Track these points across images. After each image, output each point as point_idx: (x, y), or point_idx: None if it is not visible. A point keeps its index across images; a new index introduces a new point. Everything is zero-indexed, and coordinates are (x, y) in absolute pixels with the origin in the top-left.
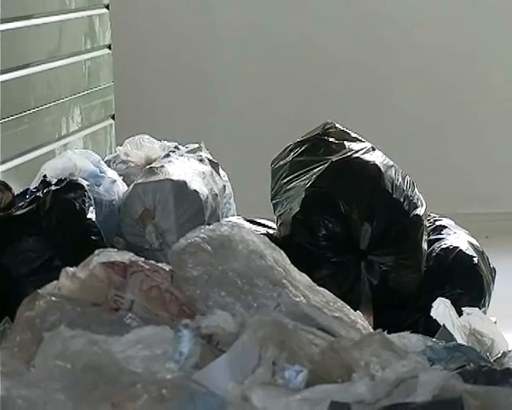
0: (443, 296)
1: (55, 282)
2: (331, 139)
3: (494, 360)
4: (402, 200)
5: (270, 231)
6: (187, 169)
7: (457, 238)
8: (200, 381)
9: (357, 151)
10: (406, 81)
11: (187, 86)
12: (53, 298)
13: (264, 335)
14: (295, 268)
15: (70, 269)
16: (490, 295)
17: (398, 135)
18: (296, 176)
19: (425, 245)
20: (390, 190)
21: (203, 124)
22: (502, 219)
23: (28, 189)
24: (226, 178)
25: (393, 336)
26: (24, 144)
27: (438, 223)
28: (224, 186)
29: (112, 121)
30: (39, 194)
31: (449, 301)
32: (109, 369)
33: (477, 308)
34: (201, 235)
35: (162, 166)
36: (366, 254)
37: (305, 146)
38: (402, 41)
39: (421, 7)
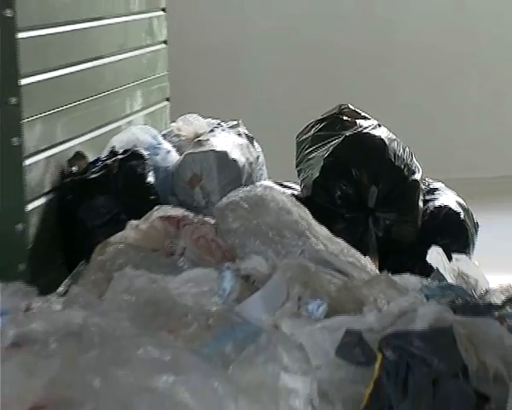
0: (436, 245)
1: (121, 232)
2: (345, 118)
3: (478, 297)
4: (402, 167)
5: (295, 193)
6: (228, 142)
7: (447, 198)
8: (240, 313)
9: (366, 127)
10: (405, 75)
11: (227, 74)
12: (120, 245)
13: (291, 276)
14: (316, 222)
15: (134, 222)
16: (474, 244)
17: (399, 114)
18: (316, 148)
19: (421, 204)
20: (393, 159)
21: (241, 104)
22: (484, 182)
23: (100, 157)
24: (259, 149)
25: (396, 277)
26: (96, 122)
27: (431, 186)
28: (258, 156)
29: (167, 103)
30: (109, 162)
31: (441, 249)
32: (166, 303)
33: (463, 255)
34: (240, 195)
35: (207, 140)
36: (373, 212)
37: (323, 123)
38: (401, 41)
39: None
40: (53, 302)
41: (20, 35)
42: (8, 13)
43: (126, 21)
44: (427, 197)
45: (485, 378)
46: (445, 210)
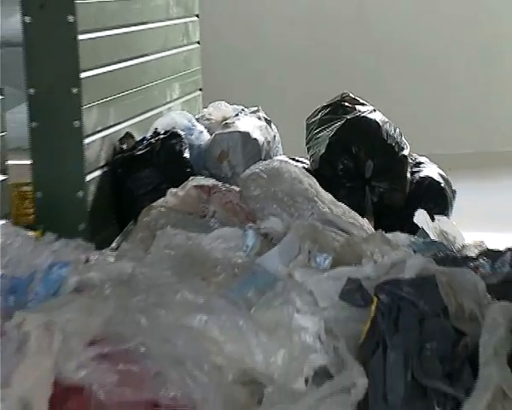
0: (421, 209)
1: (163, 198)
2: (346, 104)
3: (456, 251)
4: (393, 145)
5: (305, 166)
6: (249, 124)
7: (430, 170)
8: (260, 264)
9: (363, 112)
10: (397, 68)
11: (249, 68)
12: (162, 209)
13: (302, 234)
14: (322, 190)
15: (173, 190)
16: (452, 207)
17: (391, 100)
18: (322, 129)
19: (409, 175)
20: (385, 138)
21: (260, 93)
22: (461, 157)
23: (145, 137)
24: (275, 130)
25: (388, 235)
26: (142, 108)
27: (417, 160)
28: (274, 136)
29: (199, 92)
30: (152, 140)
31: (425, 212)
32: (199, 256)
33: (444, 216)
34: (260, 167)
35: (233, 122)
36: (369, 181)
37: (328, 108)
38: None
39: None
40: (107, 256)
41: (80, 37)
42: (71, 19)
43: (167, 25)
44: (414, 169)
45: (462, 317)
46: (429, 180)
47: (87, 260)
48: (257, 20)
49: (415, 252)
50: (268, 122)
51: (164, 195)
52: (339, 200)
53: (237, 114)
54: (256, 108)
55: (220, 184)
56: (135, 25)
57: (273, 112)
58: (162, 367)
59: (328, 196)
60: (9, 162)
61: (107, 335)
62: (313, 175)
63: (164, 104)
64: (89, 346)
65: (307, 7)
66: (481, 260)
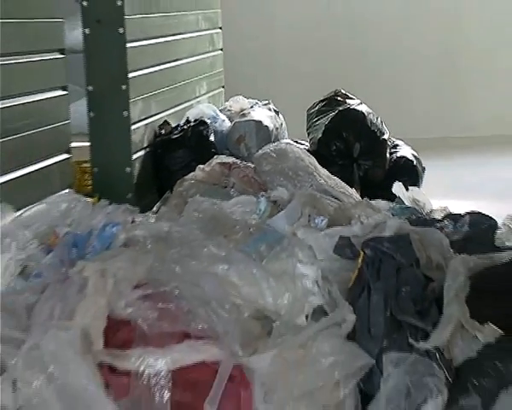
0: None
1: (193, 173)
2: (339, 98)
3: (425, 214)
4: (376, 130)
5: (306, 147)
6: (262, 114)
7: (405, 151)
8: (270, 224)
9: (352, 105)
10: (379, 68)
11: (262, 70)
12: (192, 181)
13: (304, 201)
14: (320, 166)
15: (201, 166)
16: (422, 180)
17: (373, 94)
18: (320, 118)
19: (388, 155)
20: (369, 125)
21: (270, 90)
22: (430, 140)
23: (179, 124)
24: (282, 119)
25: (372, 202)
26: (176, 101)
27: (395, 143)
28: (281, 123)
29: (222, 89)
30: (184, 127)
31: (401, 184)
32: (222, 218)
33: (415, 187)
34: (270, 148)
35: (249, 113)
36: (356, 160)
37: (324, 102)
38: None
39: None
40: (149, 218)
41: (128, 45)
42: (121, 31)
43: (196, 36)
44: (392, 151)
45: (431, 267)
46: (404, 159)
47: (133, 221)
48: (268, 34)
49: (393, 215)
50: (276, 112)
51: (194, 170)
52: (332, 174)
53: (252, 106)
54: (267, 102)
55: (238, 161)
56: (171, 35)
57: (281, 104)
58: (192, 306)
59: (324, 171)
60: (73, 144)
61: (149, 280)
62: (312, 155)
63: (194, 98)
64: (134, 288)
65: (311, 18)
66: (445, 222)
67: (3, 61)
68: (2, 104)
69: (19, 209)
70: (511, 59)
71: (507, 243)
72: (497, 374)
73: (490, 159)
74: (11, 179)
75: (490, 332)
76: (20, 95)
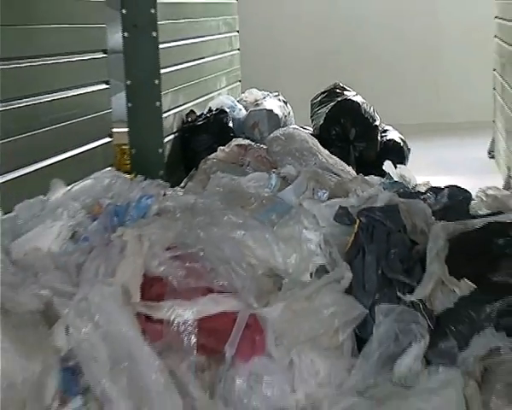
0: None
1: (215, 153)
2: (337, 90)
3: (411, 188)
4: (369, 118)
5: (310, 132)
6: (273, 104)
7: (393, 135)
8: (280, 197)
9: (349, 96)
10: (372, 65)
11: (272, 67)
12: (214, 160)
13: (309, 176)
14: (322, 147)
15: (221, 147)
16: (407, 159)
17: (367, 85)
18: (321, 107)
19: (379, 138)
20: (363, 113)
21: (280, 84)
22: (415, 125)
23: (203, 113)
24: (290, 108)
25: (366, 177)
26: (200, 93)
27: (384, 128)
28: (289, 112)
29: (239, 83)
30: (208, 115)
31: (390, 162)
32: (239, 191)
33: (403, 165)
34: (279, 132)
35: (261, 103)
36: (353, 143)
37: (325, 93)
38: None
39: None
40: (177, 191)
41: (160, 46)
42: (154, 34)
43: (217, 38)
44: (383, 134)
45: (415, 232)
46: (392, 141)
47: (164, 194)
48: (278, 36)
49: (384, 189)
50: (285, 102)
51: (215, 151)
52: (332, 154)
53: (264, 97)
54: (277, 93)
55: (253, 143)
56: (196, 38)
57: (288, 95)
58: (214, 265)
59: (325, 152)
60: (114, 130)
61: (178, 243)
62: (315, 138)
63: (215, 91)
64: (166, 250)
65: (314, 22)
66: (428, 194)
67: (57, 59)
68: (55, 96)
69: (69, 184)
70: (482, 56)
71: (479, 212)
72: (471, 321)
73: (464, 141)
74: (63, 159)
75: (465, 287)
76: (70, 88)
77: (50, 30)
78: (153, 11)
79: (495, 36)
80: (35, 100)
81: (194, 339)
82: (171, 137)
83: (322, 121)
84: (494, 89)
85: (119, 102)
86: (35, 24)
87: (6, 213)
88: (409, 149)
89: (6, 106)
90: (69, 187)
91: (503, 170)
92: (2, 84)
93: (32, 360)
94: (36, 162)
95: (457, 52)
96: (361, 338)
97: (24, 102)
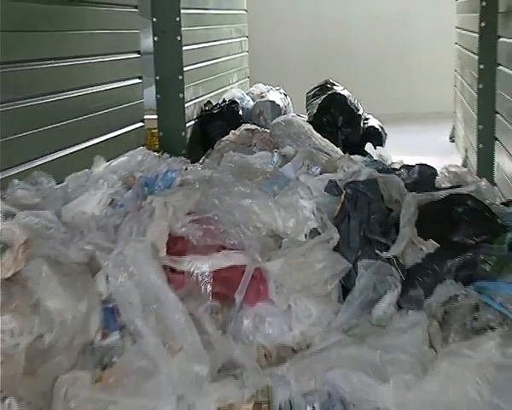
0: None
1: (227, 136)
2: (328, 85)
3: (388, 166)
4: (353, 108)
5: (305, 119)
6: (275, 96)
7: (373, 122)
8: (281, 172)
9: (338, 90)
10: (355, 64)
11: (276, 67)
12: (226, 142)
13: (304, 155)
14: (315, 132)
15: (233, 131)
16: (384, 142)
17: (352, 80)
18: (314, 99)
19: (361, 124)
20: (349, 104)
21: (282, 79)
22: (390, 114)
23: (218, 103)
24: (289, 99)
25: (351, 156)
26: (216, 87)
27: (366, 116)
28: (288, 103)
29: (247, 79)
30: (222, 105)
31: (371, 144)
32: (247, 167)
33: (381, 147)
34: (280, 119)
35: (266, 95)
36: (340, 128)
37: (318, 88)
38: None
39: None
40: (197, 166)
41: (184, 48)
42: (178, 38)
43: (229, 43)
44: (364, 122)
45: (391, 201)
46: (372, 128)
47: (186, 169)
48: (279, 42)
49: (366, 166)
50: (285, 95)
51: (228, 134)
52: (323, 138)
53: (268, 91)
54: (278, 87)
55: (259, 128)
56: (212, 41)
57: (288, 89)
58: (226, 227)
59: (318, 135)
60: (145, 117)
61: (197, 209)
62: (310, 124)
63: (228, 85)
64: (187, 215)
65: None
66: (401, 171)
67: (101, 59)
68: (98, 89)
69: (108, 160)
70: (446, 58)
71: (442, 185)
72: (435, 274)
73: (431, 128)
74: (104, 140)
75: (430, 246)
76: (110, 82)
77: (96, 35)
78: (178, 19)
79: (456, 42)
80: (81, 92)
81: (209, 287)
82: (192, 122)
83: (315, 111)
84: (455, 86)
85: (150, 94)
86: (85, 30)
87: (58, 184)
88: (386, 134)
89: (59, 97)
90: (109, 162)
91: (461, 151)
92: (59, 78)
93: (79, 302)
94: (82, 142)
95: (426, 56)
96: (346, 287)
97: (73, 94)
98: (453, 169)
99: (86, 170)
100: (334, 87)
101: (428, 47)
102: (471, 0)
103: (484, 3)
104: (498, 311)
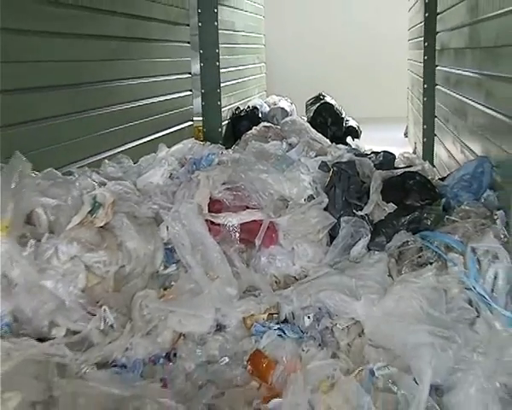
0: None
1: (250, 131)
2: (321, 97)
3: (362, 151)
4: (338, 112)
5: (305, 120)
6: (284, 103)
7: (352, 122)
8: (288, 155)
9: (327, 100)
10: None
11: (284, 83)
12: (250, 135)
13: (303, 144)
14: (312, 128)
15: (255, 127)
16: (360, 137)
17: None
18: (312, 106)
19: (344, 124)
20: (335, 110)
21: (288, 92)
22: (364, 117)
23: (244, 108)
24: (294, 106)
25: (337, 146)
26: (243, 98)
27: (347, 119)
28: (293, 109)
29: (265, 92)
30: (247, 109)
31: (350, 138)
32: (265, 152)
33: (357, 139)
34: (288, 119)
35: (277, 103)
36: (330, 127)
37: (314, 98)
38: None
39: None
40: (229, 151)
41: (221, 70)
42: (217, 64)
43: (252, 67)
44: (346, 122)
45: (364, 176)
46: (351, 126)
47: (222, 153)
48: (288, 70)
49: (347, 152)
50: (291, 103)
51: (251, 130)
52: (318, 132)
53: (279, 100)
54: (286, 98)
55: (273, 125)
56: (241, 66)
57: (293, 98)
58: (249, 193)
59: (314, 131)
60: (194, 118)
61: (229, 180)
62: (308, 123)
63: (251, 96)
64: (222, 184)
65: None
66: (371, 155)
67: (167, 77)
68: (163, 98)
69: (169, 147)
70: (404, 79)
71: (399, 166)
72: (393, 226)
73: (391, 127)
74: (166, 133)
75: (390, 207)
76: (170, 94)
77: (162, 62)
78: (217, 51)
79: (408, 69)
80: (151, 100)
81: (237, 235)
82: (226, 122)
83: (312, 114)
84: (408, 98)
85: (197, 102)
86: (154, 58)
87: (135, 163)
88: (361, 131)
89: (136, 104)
90: (169, 149)
91: (411, 144)
92: (136, 92)
93: (148, 243)
94: (151, 135)
95: (390, 76)
96: (332, 236)
97: (145, 102)
98: (406, 155)
99: (153, 154)
100: (325, 98)
101: (392, 70)
102: (418, 42)
103: (426, 44)
104: (435, 251)
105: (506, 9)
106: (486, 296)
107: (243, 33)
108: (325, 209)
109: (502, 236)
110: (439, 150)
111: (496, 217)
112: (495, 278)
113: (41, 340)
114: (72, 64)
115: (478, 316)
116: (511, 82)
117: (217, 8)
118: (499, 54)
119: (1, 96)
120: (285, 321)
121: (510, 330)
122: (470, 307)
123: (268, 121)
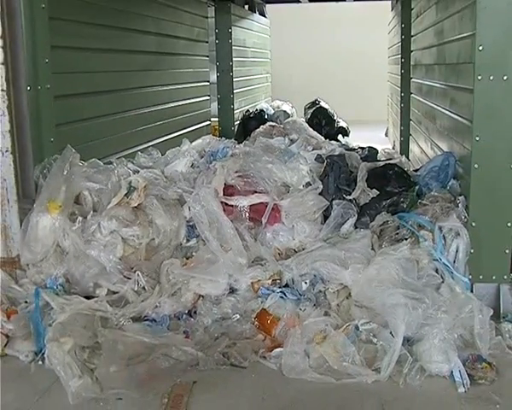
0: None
1: (257, 129)
2: (317, 102)
3: (350, 147)
4: (331, 115)
5: (304, 121)
6: (286, 107)
7: (342, 123)
8: (290, 149)
9: (322, 104)
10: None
11: (286, 90)
12: (258, 132)
13: (302, 140)
14: (309, 127)
15: (262, 126)
16: (349, 135)
17: (331, 97)
18: (309, 109)
19: (335, 125)
20: (329, 113)
21: (289, 97)
22: (352, 119)
23: (253, 111)
24: (294, 109)
25: (330, 142)
26: (252, 102)
27: (338, 120)
28: (294, 111)
29: (270, 97)
30: (255, 111)
31: (341, 136)
32: (270, 146)
33: (347, 137)
34: (289, 120)
35: (280, 107)
36: (324, 127)
37: (311, 103)
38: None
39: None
40: (241, 145)
41: (234, 79)
42: (231, 74)
43: (260, 77)
44: (337, 123)
45: (352, 167)
46: (341, 127)
47: (235, 146)
48: (288, 79)
49: (338, 147)
50: (291, 107)
51: (258, 128)
52: (314, 131)
53: (282, 104)
54: (288, 102)
55: (277, 124)
56: (251, 76)
57: (294, 103)
58: (258, 180)
59: (311, 129)
60: (212, 119)
61: (240, 169)
62: (306, 123)
63: (258, 101)
64: (235, 173)
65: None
66: (358, 150)
67: (189, 85)
68: (186, 102)
69: (191, 142)
70: (385, 85)
71: (381, 159)
72: (376, 208)
73: (374, 128)
74: (188, 131)
75: (374, 193)
76: (192, 98)
77: (186, 72)
78: (230, 64)
79: (388, 80)
80: (177, 104)
81: (247, 214)
82: (238, 122)
83: (309, 116)
84: (388, 104)
85: (214, 105)
86: (180, 69)
87: (162, 155)
88: (350, 131)
89: (164, 106)
90: (191, 143)
91: (391, 142)
92: (165, 96)
93: (173, 221)
94: (176, 132)
95: (373, 86)
96: (325, 215)
97: (172, 105)
98: (387, 150)
99: (178, 147)
100: (320, 103)
101: (374, 81)
102: (396, 58)
103: (402, 60)
104: (409, 229)
105: (465, 34)
106: (449, 266)
107: (252, 49)
108: (320, 194)
109: (463, 217)
110: (413, 147)
111: (458, 201)
112: (456, 251)
113: (87, 297)
114: (113, 74)
115: (442, 282)
116: (470, 92)
117: (231, 29)
118: (460, 69)
119: (56, 101)
120: (286, 286)
121: (467, 292)
122: (436, 274)
123: (273, 121)
